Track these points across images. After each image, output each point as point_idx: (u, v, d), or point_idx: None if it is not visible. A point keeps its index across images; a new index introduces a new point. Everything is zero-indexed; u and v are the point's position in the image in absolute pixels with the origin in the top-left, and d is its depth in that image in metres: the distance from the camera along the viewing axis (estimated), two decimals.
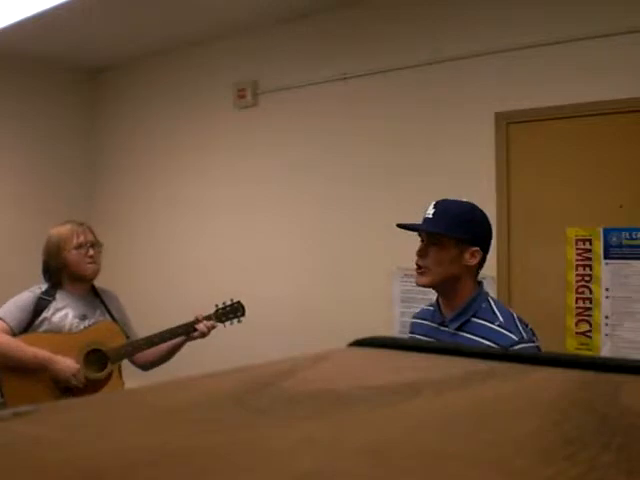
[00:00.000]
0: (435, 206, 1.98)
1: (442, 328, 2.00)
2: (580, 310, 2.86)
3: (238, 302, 2.77)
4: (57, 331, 2.51)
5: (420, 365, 0.51)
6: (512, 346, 1.83)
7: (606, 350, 2.79)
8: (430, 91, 3.32)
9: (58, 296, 2.57)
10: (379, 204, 3.43)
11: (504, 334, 1.87)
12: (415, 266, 2.01)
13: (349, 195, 3.56)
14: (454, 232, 1.93)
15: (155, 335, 2.61)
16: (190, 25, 3.90)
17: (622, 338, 2.77)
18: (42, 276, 2.63)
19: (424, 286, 2.03)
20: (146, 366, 2.74)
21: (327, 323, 3.49)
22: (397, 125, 3.41)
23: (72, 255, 2.57)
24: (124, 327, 2.69)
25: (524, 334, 1.89)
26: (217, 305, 2.75)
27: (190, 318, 2.66)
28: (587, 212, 2.87)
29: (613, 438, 0.33)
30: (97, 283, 2.73)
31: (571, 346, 2.87)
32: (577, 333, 2.87)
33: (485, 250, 2.00)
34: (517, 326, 1.91)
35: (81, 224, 2.69)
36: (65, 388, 2.46)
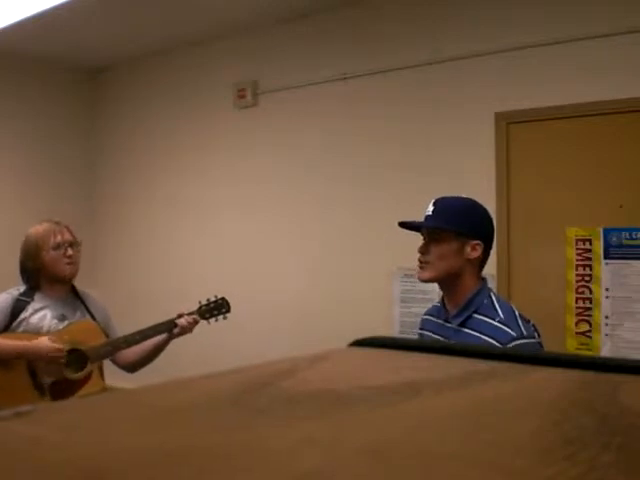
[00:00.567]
0: (434, 203, 2.02)
1: (446, 324, 2.02)
2: (580, 310, 2.86)
3: (222, 298, 2.70)
4: (35, 332, 2.43)
5: (420, 365, 0.51)
6: (511, 342, 1.84)
7: (606, 350, 2.79)
8: (430, 91, 3.32)
9: (36, 297, 2.50)
10: (379, 204, 3.43)
11: (503, 330, 1.88)
12: (418, 263, 2.03)
13: (349, 195, 3.56)
14: (453, 225, 1.96)
15: (136, 333, 2.53)
16: (190, 25, 3.90)
17: (622, 338, 2.77)
18: (20, 277, 2.54)
19: (426, 281, 2.05)
20: (130, 367, 2.66)
21: (327, 323, 3.50)
22: (397, 125, 3.41)
23: (50, 256, 2.49)
24: (105, 327, 2.62)
25: (524, 330, 1.90)
26: (200, 302, 2.68)
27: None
28: (587, 212, 2.87)
29: (613, 438, 0.33)
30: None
31: (571, 346, 2.87)
32: (577, 333, 2.87)
33: (487, 244, 2.01)
34: (517, 322, 1.92)
35: (58, 223, 2.58)
36: (43, 388, 2.40)
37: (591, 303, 2.84)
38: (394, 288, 3.37)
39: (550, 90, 2.95)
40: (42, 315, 2.47)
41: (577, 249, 2.88)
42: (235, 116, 4.05)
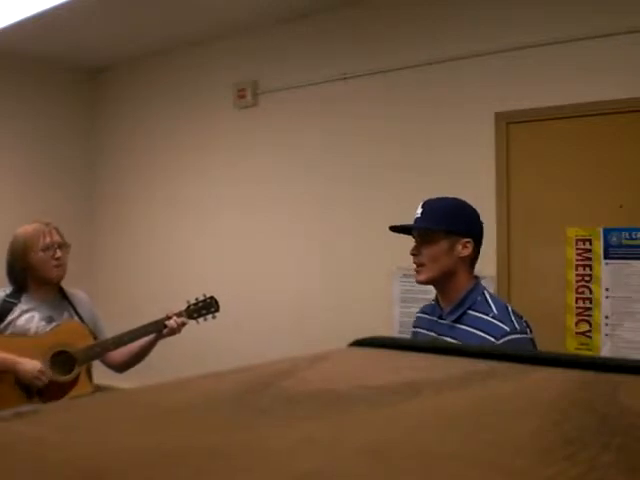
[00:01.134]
0: (423, 205, 2.07)
1: (440, 321, 2.07)
2: (580, 310, 2.86)
3: (211, 297, 2.67)
4: (22, 334, 2.41)
5: (420, 365, 0.51)
6: (504, 336, 1.90)
7: (606, 350, 2.79)
8: (430, 91, 3.32)
9: (23, 299, 2.47)
10: (379, 204, 3.43)
11: (496, 325, 1.93)
12: (414, 265, 2.08)
13: (349, 195, 3.56)
14: (442, 225, 2.01)
15: (124, 334, 2.51)
16: (190, 25, 3.90)
17: (622, 338, 2.77)
18: (7, 278, 2.51)
19: (423, 283, 2.10)
20: (118, 367, 2.64)
21: (327, 323, 3.50)
22: (397, 125, 3.41)
23: (38, 257, 2.45)
24: (93, 329, 2.59)
25: (517, 325, 1.95)
26: (189, 301, 2.66)
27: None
28: (587, 212, 2.87)
29: (613, 438, 0.33)
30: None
31: (571, 346, 2.87)
32: (577, 333, 2.87)
33: (477, 242, 2.07)
34: (510, 318, 1.97)
35: (47, 224, 2.55)
36: (30, 391, 2.37)
37: (591, 303, 2.84)
38: (394, 288, 3.37)
39: (550, 90, 2.95)
40: (29, 317, 2.44)
41: (577, 249, 2.88)
42: (235, 116, 4.05)
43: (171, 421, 0.35)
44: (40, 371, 2.33)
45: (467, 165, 3.16)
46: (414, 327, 2.24)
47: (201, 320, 2.66)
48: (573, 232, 2.89)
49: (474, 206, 2.09)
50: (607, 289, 2.81)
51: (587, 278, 2.85)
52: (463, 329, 1.99)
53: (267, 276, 3.86)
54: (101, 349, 2.51)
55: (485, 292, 2.08)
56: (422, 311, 2.24)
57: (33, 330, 2.43)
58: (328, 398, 0.39)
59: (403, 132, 3.39)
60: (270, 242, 3.87)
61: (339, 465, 0.28)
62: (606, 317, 2.81)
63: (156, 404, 0.39)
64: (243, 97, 3.97)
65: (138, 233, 4.53)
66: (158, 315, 2.68)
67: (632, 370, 0.46)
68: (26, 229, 2.53)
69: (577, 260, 2.88)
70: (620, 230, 2.79)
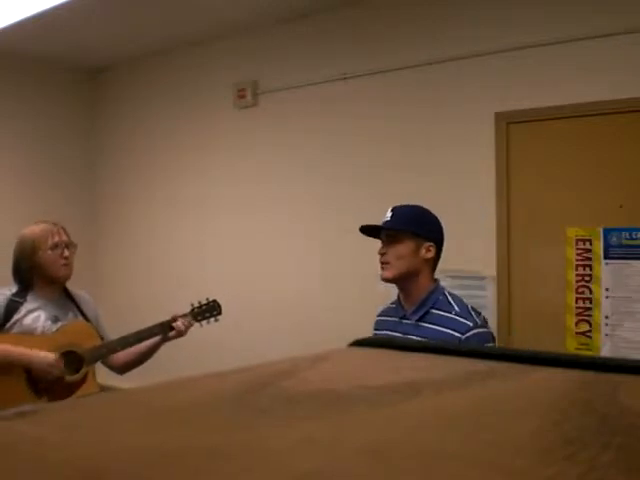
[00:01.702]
0: (392, 210, 2.28)
1: (404, 321, 2.23)
2: (580, 310, 2.86)
3: (214, 301, 2.70)
4: (30, 333, 2.42)
5: (420, 365, 0.51)
6: (468, 331, 2.08)
7: (606, 350, 2.79)
8: (430, 91, 3.32)
9: (29, 298, 2.49)
10: (379, 204, 3.43)
11: (460, 321, 2.11)
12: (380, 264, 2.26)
13: (349, 195, 3.56)
14: (410, 227, 2.20)
15: (131, 335, 2.53)
16: (190, 25, 3.90)
17: (622, 338, 2.77)
18: (12, 277, 2.53)
19: (388, 280, 2.27)
20: (121, 369, 2.66)
21: (327, 323, 3.49)
22: (397, 125, 3.41)
23: (47, 256, 2.48)
24: (96, 327, 2.61)
25: (478, 321, 2.14)
26: (193, 304, 2.68)
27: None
28: (587, 212, 2.87)
29: (613, 438, 0.33)
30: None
31: (571, 346, 2.87)
32: (577, 333, 2.87)
33: (439, 247, 2.26)
34: (471, 314, 2.15)
35: (55, 224, 2.58)
36: (39, 390, 2.39)
37: (591, 303, 2.84)
38: (394, 288, 3.37)
39: (550, 90, 2.95)
40: (36, 316, 2.46)
41: (577, 249, 2.88)
42: (235, 116, 4.05)
43: (171, 421, 0.35)
44: (55, 360, 2.36)
45: (467, 165, 3.16)
46: (375, 330, 2.37)
47: (204, 323, 2.69)
48: (573, 232, 2.89)
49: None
50: (607, 289, 2.81)
51: (587, 278, 2.85)
52: (428, 327, 2.15)
53: (267, 276, 3.86)
54: (108, 350, 2.52)
55: (446, 292, 2.24)
56: (382, 314, 2.39)
57: (39, 329, 2.44)
58: (328, 398, 0.39)
59: (403, 132, 3.39)
60: (270, 242, 3.87)
61: (339, 465, 0.28)
62: (606, 317, 2.81)
63: (156, 404, 0.39)
64: (243, 97, 3.97)
65: (138, 233, 4.53)
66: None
67: (632, 370, 0.46)
68: (33, 229, 2.55)
69: (577, 260, 2.88)
70: (620, 230, 2.79)
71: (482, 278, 3.07)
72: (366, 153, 3.51)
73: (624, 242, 2.78)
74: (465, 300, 2.26)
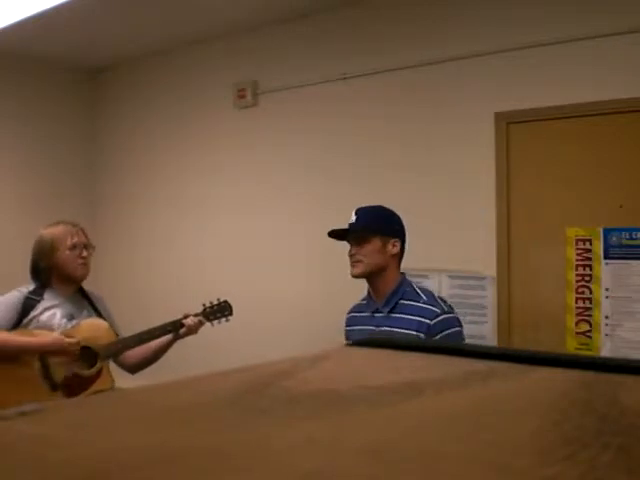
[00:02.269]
0: (356, 213, 2.45)
1: (376, 315, 2.39)
2: (580, 310, 2.86)
3: (225, 301, 2.74)
4: (47, 330, 2.49)
5: (420, 365, 0.51)
6: (436, 317, 2.28)
7: (606, 350, 2.79)
8: (430, 91, 3.32)
9: (46, 296, 2.56)
10: (379, 204, 3.43)
11: (429, 309, 2.30)
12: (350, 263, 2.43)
13: (349, 195, 3.55)
14: (375, 225, 2.40)
15: (144, 332, 2.58)
16: (190, 25, 3.90)
17: (622, 338, 2.77)
18: (30, 276, 2.60)
19: (358, 276, 2.42)
20: (134, 367, 2.70)
21: (327, 323, 3.49)
22: (397, 125, 3.41)
23: (65, 256, 2.56)
24: (112, 326, 2.67)
25: (444, 307, 2.34)
26: (204, 304, 2.72)
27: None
28: (587, 212, 2.87)
29: (613, 438, 0.33)
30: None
31: (571, 346, 2.87)
32: (577, 333, 2.87)
33: (403, 242, 2.45)
34: (438, 302, 2.35)
35: (75, 225, 2.66)
36: (54, 385, 2.44)
37: (591, 303, 2.84)
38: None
39: (550, 90, 2.95)
40: (52, 314, 2.52)
41: (577, 249, 2.88)
42: (235, 116, 4.04)
43: (172, 421, 0.35)
44: (63, 340, 2.42)
45: (467, 165, 3.16)
46: (348, 326, 2.54)
47: (215, 323, 2.72)
48: (573, 232, 2.89)
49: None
50: (607, 289, 2.81)
51: (587, 278, 2.85)
52: (399, 317, 2.33)
53: (267, 275, 3.86)
54: (123, 346, 2.58)
55: (412, 284, 2.43)
56: (353, 311, 2.56)
57: (55, 326, 2.50)
58: (328, 398, 0.39)
59: (403, 132, 3.39)
60: (270, 242, 3.87)
61: (339, 465, 0.28)
62: (606, 317, 2.81)
63: (157, 404, 0.39)
64: (243, 97, 3.97)
65: (139, 233, 4.53)
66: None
67: (632, 370, 0.46)
68: (52, 230, 2.62)
69: (577, 260, 2.88)
70: (620, 230, 2.79)
71: (482, 278, 3.07)
72: (366, 153, 3.51)
73: (624, 242, 2.78)
74: (434, 291, 2.49)
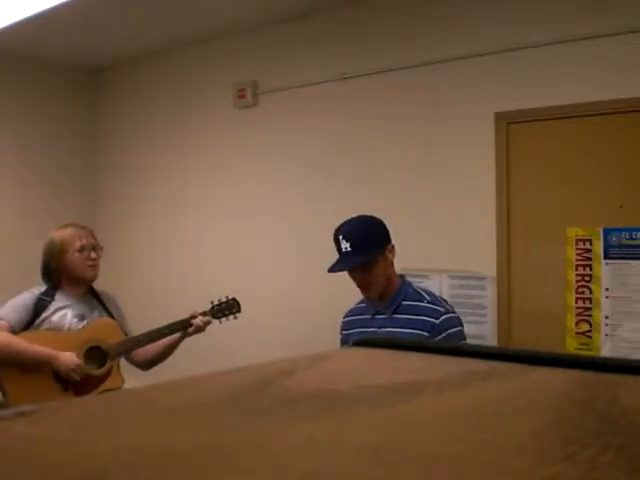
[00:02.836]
0: (345, 238, 2.37)
1: (377, 317, 2.38)
2: (580, 310, 2.86)
3: (233, 299, 2.80)
4: (58, 329, 2.54)
5: (420, 365, 0.51)
6: (442, 316, 2.28)
7: (606, 350, 2.79)
8: (430, 91, 3.32)
9: (57, 297, 2.61)
10: (379, 204, 3.43)
11: (433, 308, 2.30)
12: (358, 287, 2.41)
13: (349, 195, 3.55)
14: (374, 247, 2.34)
15: (153, 331, 2.64)
16: (190, 25, 3.90)
17: (622, 338, 2.77)
18: (41, 277, 2.66)
19: (375, 298, 2.39)
20: (145, 364, 2.76)
21: (327, 323, 3.49)
22: (397, 125, 3.41)
23: (74, 258, 2.61)
24: (122, 325, 2.72)
25: (447, 307, 2.35)
26: (212, 302, 2.77)
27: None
28: (587, 212, 2.87)
29: (613, 438, 0.33)
30: (98, 283, 2.74)
31: (571, 346, 2.87)
32: (577, 333, 2.87)
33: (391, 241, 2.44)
34: (441, 301, 2.37)
35: (83, 227, 2.73)
36: (66, 384, 2.49)
37: (591, 303, 2.84)
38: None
39: (550, 90, 2.95)
40: (63, 314, 2.57)
41: (577, 249, 2.88)
42: (235, 116, 4.04)
43: (172, 421, 0.35)
44: (77, 365, 2.47)
45: (467, 165, 3.16)
46: (345, 330, 2.52)
47: (224, 320, 2.78)
48: (573, 232, 2.89)
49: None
50: (607, 289, 2.81)
51: (587, 278, 2.85)
52: (402, 317, 2.32)
53: (267, 276, 3.86)
54: (132, 344, 2.64)
55: (412, 285, 2.44)
56: (350, 315, 2.55)
57: (67, 327, 2.56)
58: (328, 398, 0.39)
59: (403, 132, 3.39)
60: (270, 242, 3.87)
61: (339, 465, 0.28)
62: (606, 317, 2.81)
63: (158, 404, 0.39)
64: (243, 97, 3.97)
65: (138, 233, 4.53)
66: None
67: (632, 370, 0.46)
68: (62, 232, 2.68)
69: (577, 260, 2.88)
70: (620, 230, 2.79)
71: (482, 278, 3.07)
72: (366, 153, 3.51)
73: (624, 242, 2.78)
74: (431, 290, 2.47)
